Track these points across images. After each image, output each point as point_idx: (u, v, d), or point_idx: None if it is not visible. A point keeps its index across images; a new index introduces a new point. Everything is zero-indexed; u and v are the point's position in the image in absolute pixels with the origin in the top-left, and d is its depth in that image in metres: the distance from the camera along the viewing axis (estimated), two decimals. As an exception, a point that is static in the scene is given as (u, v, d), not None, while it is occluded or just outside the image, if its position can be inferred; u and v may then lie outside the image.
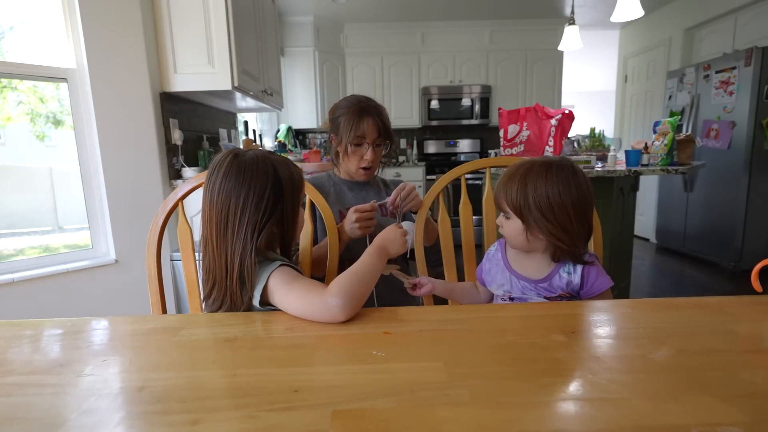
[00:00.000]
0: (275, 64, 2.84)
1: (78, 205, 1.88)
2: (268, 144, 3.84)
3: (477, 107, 4.32)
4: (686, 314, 0.65)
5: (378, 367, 0.50)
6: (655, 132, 2.12)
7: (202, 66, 2.01)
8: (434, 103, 4.32)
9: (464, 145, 4.65)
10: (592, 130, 2.45)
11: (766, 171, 2.99)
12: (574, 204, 0.76)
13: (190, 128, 2.28)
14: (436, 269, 1.06)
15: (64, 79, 1.78)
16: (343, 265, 0.89)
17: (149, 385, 0.47)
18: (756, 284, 0.69)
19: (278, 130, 3.87)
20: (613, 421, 0.39)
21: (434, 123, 4.40)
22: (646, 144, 2.17)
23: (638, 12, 2.46)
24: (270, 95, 2.61)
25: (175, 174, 2.10)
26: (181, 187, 0.97)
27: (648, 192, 4.03)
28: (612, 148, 2.24)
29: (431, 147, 4.66)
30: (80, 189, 1.87)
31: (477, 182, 3.70)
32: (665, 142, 2.05)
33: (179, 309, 1.98)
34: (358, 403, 0.42)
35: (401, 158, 4.39)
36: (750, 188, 3.01)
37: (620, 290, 2.27)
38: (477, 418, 0.40)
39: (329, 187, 1.17)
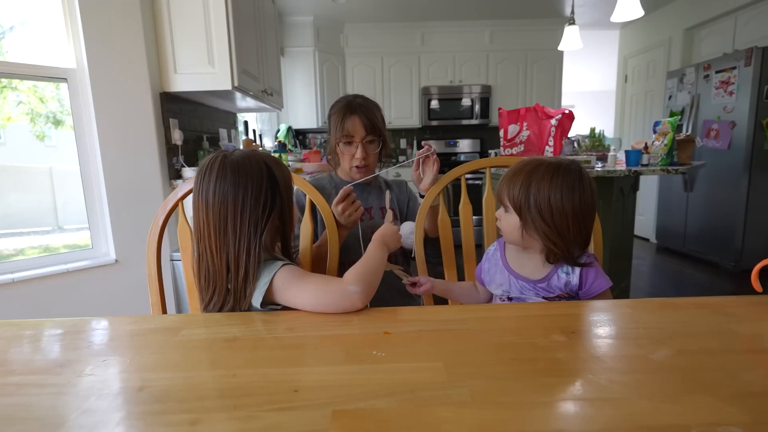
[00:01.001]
0: (275, 64, 2.84)
1: (78, 205, 1.89)
2: (268, 144, 3.84)
3: (477, 107, 4.32)
4: (686, 314, 0.65)
5: (378, 367, 0.50)
6: (655, 132, 2.12)
7: (202, 66, 2.02)
8: (434, 103, 4.32)
9: (464, 145, 4.65)
10: (592, 130, 2.45)
11: (766, 171, 2.98)
12: (575, 210, 0.75)
13: (190, 128, 2.28)
14: (436, 267, 1.06)
15: (64, 79, 1.78)
16: (342, 267, 0.89)
17: (149, 385, 0.47)
18: (756, 284, 0.68)
19: (278, 130, 3.86)
20: (613, 421, 0.39)
21: (434, 123, 4.40)
22: (646, 144, 2.17)
23: (638, 12, 2.46)
24: (270, 95, 2.61)
25: (175, 174, 2.10)
26: (181, 187, 0.97)
27: (648, 192, 4.03)
28: (612, 148, 2.24)
29: (431, 147, 4.66)
30: (80, 189, 1.87)
31: (477, 182, 3.70)
32: (665, 142, 2.05)
33: (179, 309, 1.98)
34: (358, 403, 0.42)
35: (401, 158, 4.39)
36: (750, 188, 3.01)
37: (620, 290, 2.27)
38: (477, 418, 0.40)
39: (330, 188, 1.17)
